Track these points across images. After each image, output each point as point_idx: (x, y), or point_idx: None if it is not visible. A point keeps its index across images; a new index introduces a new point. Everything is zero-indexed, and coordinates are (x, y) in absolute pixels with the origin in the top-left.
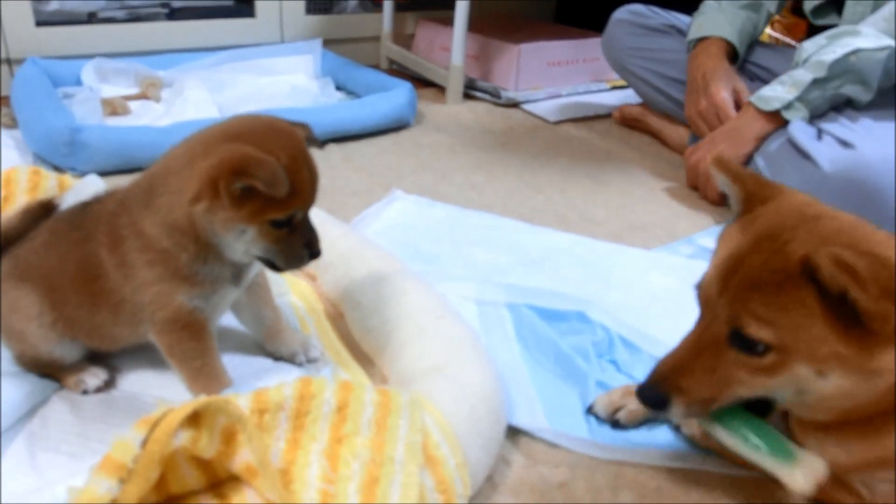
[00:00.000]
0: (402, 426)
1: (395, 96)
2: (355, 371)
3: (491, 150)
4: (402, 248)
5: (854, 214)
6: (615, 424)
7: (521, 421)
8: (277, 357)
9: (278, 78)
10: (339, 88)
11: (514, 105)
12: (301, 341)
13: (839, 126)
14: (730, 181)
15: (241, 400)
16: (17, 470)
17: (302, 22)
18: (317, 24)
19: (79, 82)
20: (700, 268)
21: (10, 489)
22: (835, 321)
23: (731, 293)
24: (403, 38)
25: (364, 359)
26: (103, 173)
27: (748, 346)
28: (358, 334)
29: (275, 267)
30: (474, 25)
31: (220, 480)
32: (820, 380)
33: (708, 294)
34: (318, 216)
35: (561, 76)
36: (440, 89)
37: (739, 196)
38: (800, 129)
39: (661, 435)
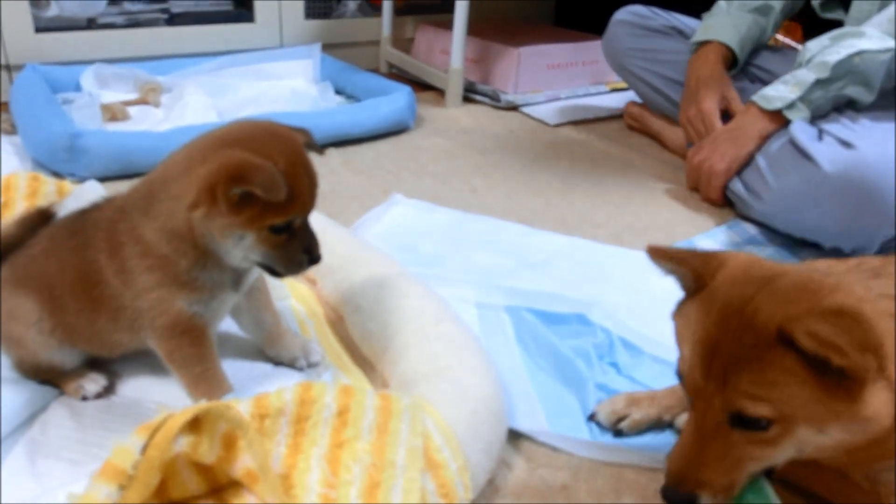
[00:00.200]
0: (403, 430)
1: (395, 100)
2: (356, 375)
3: (490, 153)
4: (402, 252)
5: (852, 215)
6: (618, 433)
7: (522, 424)
8: (278, 362)
9: (278, 82)
10: (338, 92)
11: (514, 108)
12: (301, 345)
13: (840, 126)
14: (673, 267)
15: (241, 405)
16: (18, 476)
17: (301, 26)
18: (316, 29)
19: (78, 88)
20: None
21: (11, 496)
22: (822, 381)
23: (717, 378)
24: (403, 42)
25: (365, 363)
26: (103, 179)
27: (751, 424)
28: (358, 338)
29: (274, 273)
30: (473, 29)
31: (221, 486)
32: (821, 437)
33: (695, 382)
34: (317, 220)
35: (560, 79)
36: (440, 93)
37: (688, 276)
38: (801, 130)
39: (661, 437)
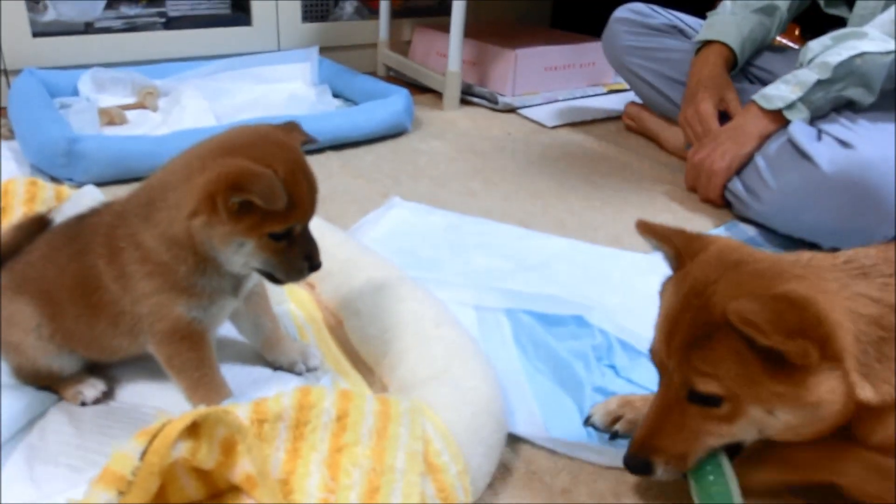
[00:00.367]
0: (403, 434)
1: (392, 103)
2: (355, 379)
3: (488, 155)
4: (400, 255)
5: (850, 215)
6: (613, 435)
7: (521, 429)
8: (277, 366)
9: (275, 86)
10: (336, 96)
11: (512, 110)
12: (300, 350)
13: (839, 126)
14: (658, 242)
15: (240, 410)
16: (16, 482)
17: (298, 29)
18: (313, 32)
19: (76, 92)
20: None
21: (10, 502)
22: (765, 363)
23: (676, 354)
24: (400, 45)
25: (364, 367)
26: (101, 183)
27: (705, 400)
28: (357, 342)
29: (274, 279)
30: (470, 31)
31: (220, 491)
32: (772, 418)
33: (659, 357)
34: (315, 224)
35: (558, 81)
36: (437, 95)
37: (670, 254)
38: (800, 130)
39: None
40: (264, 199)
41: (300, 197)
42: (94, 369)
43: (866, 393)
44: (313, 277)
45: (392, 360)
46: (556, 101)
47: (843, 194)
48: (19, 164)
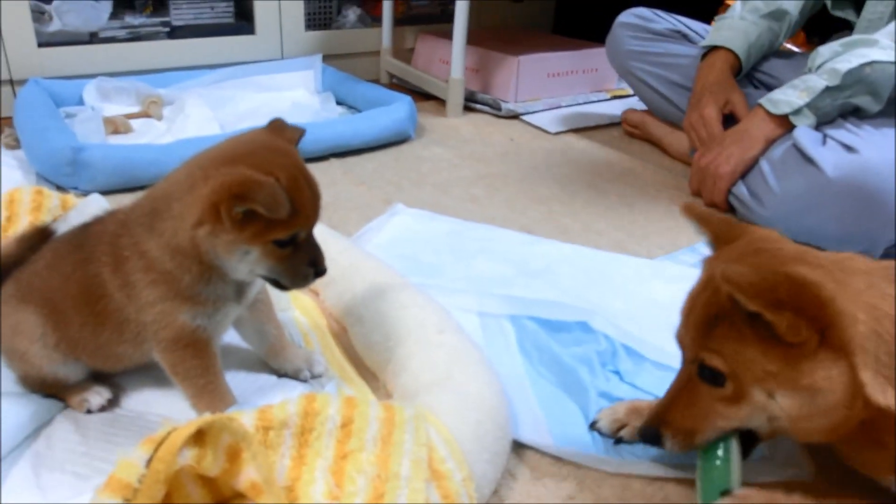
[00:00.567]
0: (407, 441)
1: (395, 110)
2: (359, 386)
3: (491, 162)
4: (403, 262)
5: (855, 220)
6: (618, 441)
7: (525, 436)
8: (281, 373)
9: (279, 94)
10: (339, 103)
11: (514, 117)
12: (305, 357)
13: (844, 131)
14: (699, 225)
15: (245, 417)
16: (23, 490)
17: (302, 38)
18: (316, 40)
19: (81, 102)
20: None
21: None
22: (761, 342)
23: (690, 331)
24: (403, 53)
25: (368, 373)
26: (106, 192)
27: (712, 378)
28: (361, 349)
29: (280, 286)
30: (473, 38)
31: (225, 498)
32: (772, 402)
33: (680, 335)
34: (318, 231)
35: (560, 87)
36: (440, 102)
37: (709, 238)
38: (805, 135)
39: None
40: (267, 208)
41: (303, 203)
42: (99, 377)
43: (887, 397)
44: (317, 284)
45: (395, 366)
46: (559, 107)
47: (846, 199)
48: (25, 173)
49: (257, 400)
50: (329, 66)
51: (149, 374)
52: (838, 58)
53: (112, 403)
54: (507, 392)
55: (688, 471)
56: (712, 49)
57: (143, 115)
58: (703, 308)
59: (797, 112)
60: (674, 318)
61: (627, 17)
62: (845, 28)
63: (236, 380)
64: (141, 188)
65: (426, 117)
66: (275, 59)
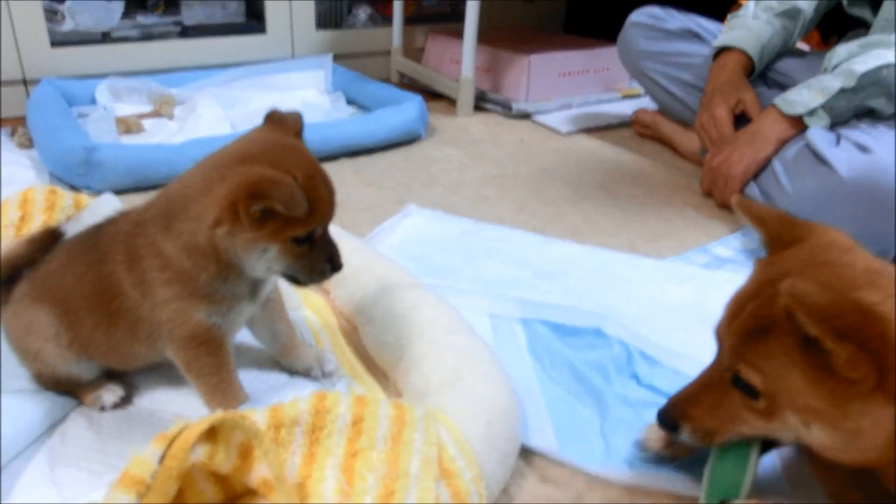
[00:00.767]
0: (418, 440)
1: (406, 110)
2: (370, 385)
3: (502, 162)
4: (415, 262)
5: (869, 220)
6: (670, 459)
7: (532, 441)
8: (293, 372)
9: (290, 93)
10: (350, 103)
11: (525, 116)
12: (316, 356)
13: (858, 132)
14: (753, 223)
15: (257, 415)
16: (38, 486)
17: (312, 37)
18: (327, 39)
19: (93, 101)
20: (716, 278)
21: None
22: (811, 371)
23: (732, 336)
24: (414, 52)
25: (379, 373)
26: (119, 191)
27: (747, 389)
28: (372, 349)
29: (298, 282)
30: (484, 37)
31: (237, 495)
32: (807, 431)
33: (719, 333)
34: (331, 231)
35: (572, 86)
36: (451, 102)
37: (763, 238)
38: (818, 135)
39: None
40: (285, 205)
41: (319, 200)
42: (113, 376)
43: None
44: (328, 284)
45: (406, 366)
46: (571, 107)
47: (860, 199)
48: (38, 173)
49: (269, 398)
50: (339, 66)
51: (162, 372)
52: (855, 59)
53: (125, 401)
54: (517, 395)
55: (696, 486)
56: (724, 49)
57: (155, 114)
58: (752, 317)
59: (811, 113)
60: (688, 321)
61: (639, 16)
62: (861, 27)
63: (248, 378)
64: (153, 188)
65: (437, 117)
66: (285, 58)
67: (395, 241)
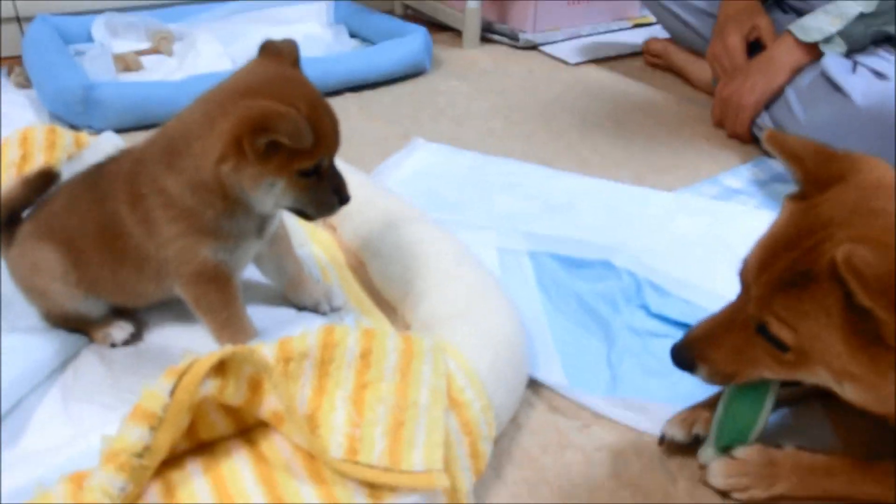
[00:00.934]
0: (426, 371)
1: (410, 42)
2: (378, 319)
3: (509, 94)
4: (423, 197)
5: (884, 150)
6: (696, 440)
7: (539, 374)
8: (301, 307)
9: (290, 27)
10: (352, 36)
11: (533, 47)
12: (324, 291)
13: (876, 58)
14: (787, 161)
15: (266, 349)
16: (53, 420)
17: None
18: None
19: (90, 39)
20: (727, 210)
21: (47, 439)
22: (852, 336)
23: (763, 286)
24: None
25: (387, 307)
26: (119, 129)
27: (774, 341)
28: (379, 282)
29: (306, 216)
30: None
31: (249, 426)
32: (837, 386)
33: (746, 276)
34: (336, 165)
35: (580, 16)
36: (457, 33)
37: (799, 177)
38: (834, 62)
39: (681, 388)
40: (291, 138)
41: (324, 131)
42: (122, 313)
43: None
44: (334, 219)
45: (413, 299)
46: (580, 36)
47: (875, 127)
48: (37, 112)
49: (278, 333)
50: None
51: (171, 309)
52: None
53: (135, 338)
54: (524, 327)
55: None
56: None
57: (154, 51)
58: (787, 269)
59: (828, 40)
60: (699, 253)
61: None
62: None
63: (257, 314)
64: (154, 125)
65: (442, 49)
66: None
67: (401, 176)
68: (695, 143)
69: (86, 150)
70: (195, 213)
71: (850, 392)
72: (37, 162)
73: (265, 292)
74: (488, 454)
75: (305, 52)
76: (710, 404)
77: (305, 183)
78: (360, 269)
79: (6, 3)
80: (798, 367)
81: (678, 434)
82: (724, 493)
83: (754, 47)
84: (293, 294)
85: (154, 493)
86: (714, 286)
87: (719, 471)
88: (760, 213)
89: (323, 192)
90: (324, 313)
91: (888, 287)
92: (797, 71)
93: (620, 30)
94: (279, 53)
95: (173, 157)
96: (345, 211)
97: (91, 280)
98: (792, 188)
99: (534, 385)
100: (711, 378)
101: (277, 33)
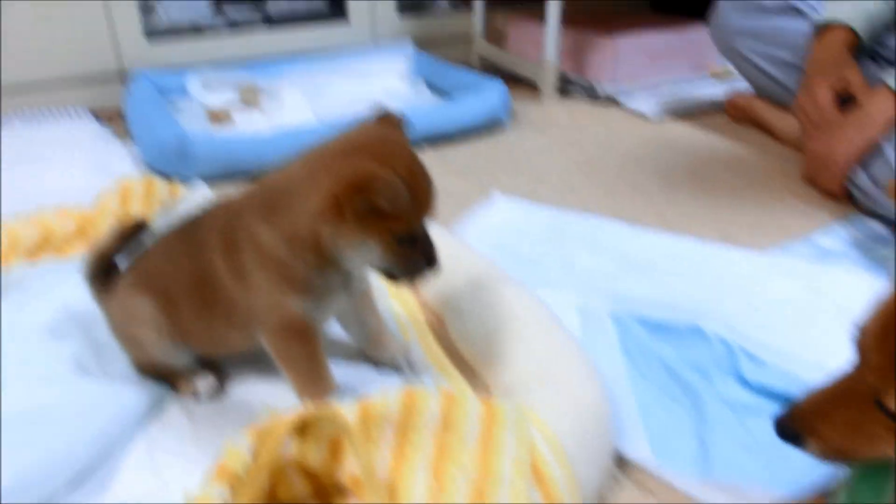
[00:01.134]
0: (509, 440)
1: (488, 96)
2: (457, 379)
3: (588, 149)
4: (502, 253)
5: None
6: None
7: (624, 446)
8: (379, 363)
9: (371, 81)
10: (431, 89)
11: (612, 101)
12: (402, 348)
13: None
14: None
15: (346, 410)
16: (139, 471)
17: (394, 24)
18: (408, 25)
19: (185, 92)
20: (827, 274)
21: (133, 489)
22: None
23: (885, 355)
24: (495, 36)
25: (466, 368)
26: (209, 179)
27: (893, 416)
28: (459, 342)
29: (394, 278)
30: (567, 20)
31: (327, 491)
32: None
33: (864, 344)
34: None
35: (660, 69)
36: (534, 87)
37: None
38: None
39: (783, 470)
40: (389, 202)
41: (421, 196)
42: (207, 365)
43: None
44: None
45: (495, 361)
46: (659, 90)
47: None
48: (135, 163)
49: (356, 389)
50: (421, 52)
51: (254, 363)
52: None
53: (218, 390)
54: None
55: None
56: (827, 25)
57: (242, 104)
58: None
59: None
60: (797, 319)
61: None
62: None
63: (336, 369)
64: (242, 175)
65: (520, 103)
66: (367, 45)
67: (480, 231)
68: (784, 199)
69: (180, 203)
70: (287, 266)
71: None
72: (134, 212)
73: (343, 348)
74: None
75: (409, 118)
76: (824, 495)
77: (398, 247)
78: (440, 328)
79: (110, 57)
80: None
81: None
82: None
83: (844, 100)
84: (372, 350)
85: None
86: (816, 356)
87: None
88: (863, 277)
89: (414, 257)
90: (401, 370)
91: None
92: (893, 124)
93: (700, 81)
94: (391, 121)
95: (272, 210)
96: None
97: (182, 328)
98: (892, 249)
99: (619, 460)
100: (822, 454)
101: (358, 87)
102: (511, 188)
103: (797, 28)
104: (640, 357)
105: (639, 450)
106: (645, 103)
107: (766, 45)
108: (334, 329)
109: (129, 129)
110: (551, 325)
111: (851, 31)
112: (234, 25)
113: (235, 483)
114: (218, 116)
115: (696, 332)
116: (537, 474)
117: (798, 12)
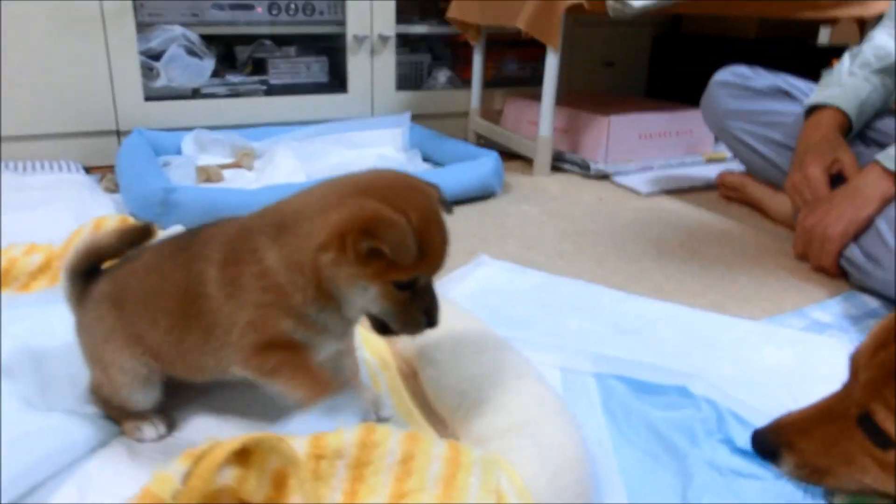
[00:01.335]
0: (474, 484)
1: (481, 165)
2: (426, 430)
3: (580, 219)
4: (487, 313)
5: None
6: None
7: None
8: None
9: (367, 150)
10: (426, 160)
11: (604, 177)
12: (372, 398)
13: None
14: None
15: (296, 442)
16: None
17: (392, 98)
18: (406, 100)
19: (180, 152)
20: (821, 343)
21: None
22: None
23: (873, 369)
24: (491, 113)
25: (437, 420)
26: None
27: (875, 434)
28: (432, 393)
29: (387, 329)
30: (563, 99)
31: None
32: None
33: (856, 363)
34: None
35: (653, 148)
36: (528, 162)
37: None
38: None
39: None
40: (393, 250)
41: (431, 247)
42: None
43: None
44: None
45: (468, 411)
46: (651, 168)
47: None
48: (118, 211)
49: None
50: (417, 125)
51: (209, 404)
52: None
53: (168, 430)
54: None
55: None
56: (818, 108)
57: (236, 165)
58: None
59: None
60: (790, 385)
61: (724, 75)
62: None
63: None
64: None
65: (513, 176)
66: (365, 116)
67: (466, 291)
68: (777, 274)
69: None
70: (285, 292)
71: None
72: None
73: None
74: None
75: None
76: None
77: (398, 296)
78: (412, 378)
79: (108, 117)
80: None
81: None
82: None
83: (835, 180)
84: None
85: None
86: None
87: None
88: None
89: (413, 310)
90: (369, 419)
91: None
92: (887, 201)
93: (693, 164)
94: (432, 185)
95: (280, 232)
96: None
97: (155, 346)
98: None
99: None
100: (798, 471)
101: (354, 155)
102: (500, 253)
103: (788, 109)
104: (624, 418)
105: None
106: (637, 179)
107: (758, 126)
108: None
109: (117, 183)
110: (530, 376)
111: (842, 112)
112: (234, 92)
113: None
114: (208, 174)
115: (684, 394)
116: None
117: (788, 95)
